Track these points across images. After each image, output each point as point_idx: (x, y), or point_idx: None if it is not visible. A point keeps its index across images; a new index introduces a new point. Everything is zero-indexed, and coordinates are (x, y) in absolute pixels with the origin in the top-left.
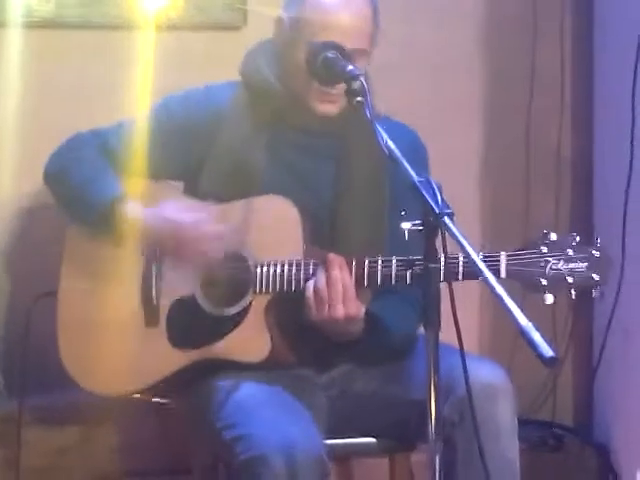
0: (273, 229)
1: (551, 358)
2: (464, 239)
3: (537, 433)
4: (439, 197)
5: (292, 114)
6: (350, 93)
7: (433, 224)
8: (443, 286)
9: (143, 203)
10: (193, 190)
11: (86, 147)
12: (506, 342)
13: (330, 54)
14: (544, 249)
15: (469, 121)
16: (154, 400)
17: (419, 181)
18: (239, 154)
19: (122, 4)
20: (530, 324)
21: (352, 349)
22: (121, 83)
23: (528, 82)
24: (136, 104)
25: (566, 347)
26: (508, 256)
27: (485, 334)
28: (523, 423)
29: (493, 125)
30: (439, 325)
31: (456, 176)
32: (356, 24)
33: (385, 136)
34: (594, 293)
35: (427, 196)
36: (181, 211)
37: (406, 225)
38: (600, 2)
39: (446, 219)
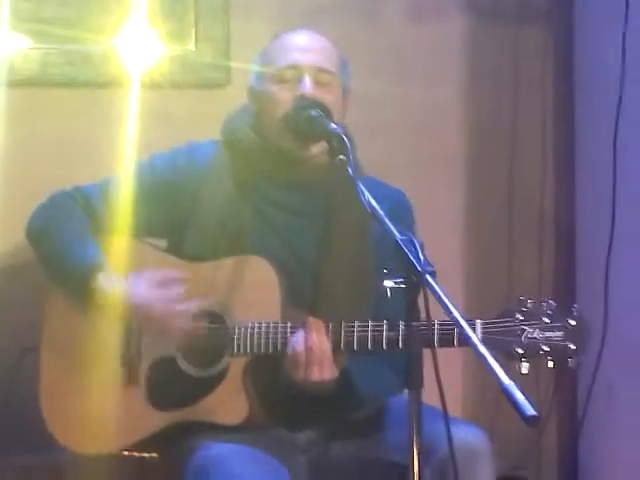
0: (251, 291)
1: (533, 417)
2: (446, 297)
3: None
4: (421, 255)
5: (275, 170)
6: (332, 151)
7: (415, 282)
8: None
9: (122, 267)
10: (177, 248)
11: (69, 205)
12: (490, 400)
13: (313, 112)
14: (519, 317)
15: (451, 180)
16: (139, 455)
17: (401, 239)
18: (223, 214)
19: (107, 62)
20: (512, 383)
21: (325, 408)
22: (106, 141)
23: (510, 141)
24: (121, 162)
25: (550, 405)
26: (483, 324)
27: (468, 393)
28: None
29: (475, 184)
30: (422, 385)
31: (439, 235)
32: (315, 43)
33: (367, 194)
34: (570, 362)
35: (409, 254)
36: (152, 287)
37: (388, 283)
38: (581, 59)
39: (428, 277)
